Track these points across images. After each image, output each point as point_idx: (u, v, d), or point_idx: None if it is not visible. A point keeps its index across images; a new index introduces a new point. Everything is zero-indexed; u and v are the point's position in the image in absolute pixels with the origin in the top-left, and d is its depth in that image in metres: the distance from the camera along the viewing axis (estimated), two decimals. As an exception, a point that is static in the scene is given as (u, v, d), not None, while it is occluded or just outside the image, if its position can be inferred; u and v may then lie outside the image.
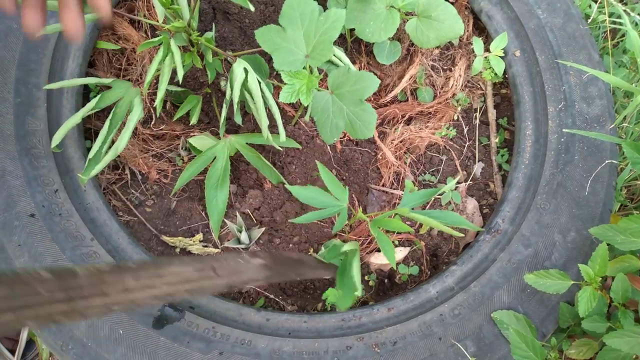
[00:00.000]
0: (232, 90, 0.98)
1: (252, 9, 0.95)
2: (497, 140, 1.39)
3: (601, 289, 1.02)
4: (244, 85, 0.99)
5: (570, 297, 1.08)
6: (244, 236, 1.18)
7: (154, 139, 1.28)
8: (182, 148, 1.28)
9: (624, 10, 1.38)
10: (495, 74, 1.36)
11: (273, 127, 1.14)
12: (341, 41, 1.36)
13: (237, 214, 1.21)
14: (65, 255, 1.03)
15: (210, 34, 1.19)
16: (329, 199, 0.99)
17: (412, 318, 1.07)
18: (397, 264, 1.24)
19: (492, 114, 1.41)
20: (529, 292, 1.08)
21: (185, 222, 1.24)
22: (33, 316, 0.49)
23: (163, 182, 1.27)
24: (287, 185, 1.00)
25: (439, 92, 1.40)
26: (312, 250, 1.24)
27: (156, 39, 0.97)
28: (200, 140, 1.19)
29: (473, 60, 1.37)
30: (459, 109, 1.40)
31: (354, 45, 1.37)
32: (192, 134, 1.28)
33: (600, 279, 0.99)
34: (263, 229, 1.21)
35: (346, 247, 0.91)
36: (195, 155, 1.17)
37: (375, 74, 1.38)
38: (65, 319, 0.51)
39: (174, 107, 1.31)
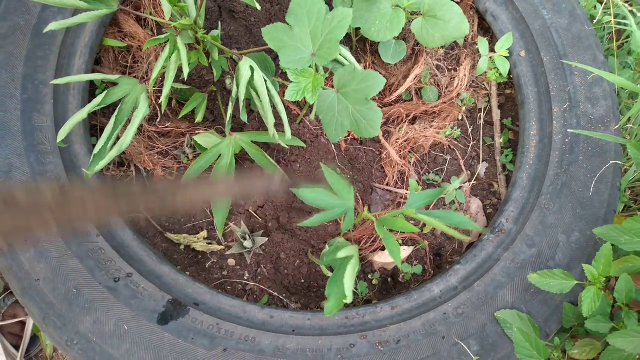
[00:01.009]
0: (238, 88, 0.98)
1: (259, 7, 0.96)
2: (501, 140, 1.39)
3: (605, 289, 1.02)
4: (250, 83, 1.00)
5: (573, 297, 1.08)
6: (247, 242, 1.18)
7: (159, 137, 1.28)
8: (187, 146, 1.28)
9: (630, 11, 1.38)
10: (500, 75, 1.36)
11: (278, 126, 1.14)
12: (346, 40, 1.36)
13: (242, 222, 1.21)
14: (72, 250, 1.03)
15: (216, 32, 1.19)
16: (335, 200, 0.99)
17: (415, 317, 1.07)
18: (401, 262, 1.24)
19: (496, 114, 1.41)
20: (533, 292, 1.08)
21: (190, 219, 1.24)
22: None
23: (168, 180, 1.27)
24: (292, 189, 1.00)
25: (444, 92, 1.40)
26: (310, 249, 1.24)
27: (163, 36, 0.98)
28: (205, 138, 1.20)
29: (478, 61, 1.37)
30: (464, 108, 1.40)
31: (359, 45, 1.38)
32: (197, 131, 1.29)
33: (604, 279, 0.99)
34: (266, 239, 1.21)
35: (342, 253, 0.91)
36: (200, 153, 1.18)
37: (381, 73, 1.38)
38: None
39: (180, 104, 1.31)
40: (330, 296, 0.95)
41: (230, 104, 1.03)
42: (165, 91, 0.99)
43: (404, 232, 1.26)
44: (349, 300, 0.92)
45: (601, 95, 1.24)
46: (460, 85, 1.38)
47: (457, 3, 1.38)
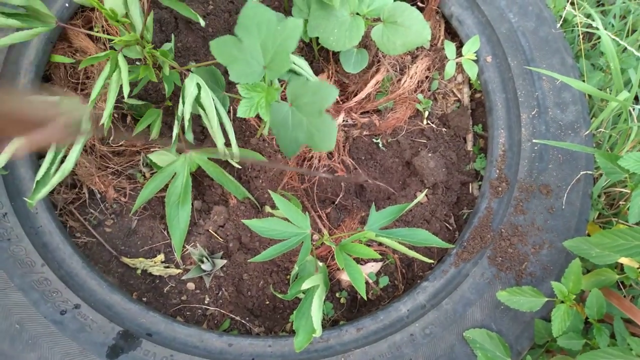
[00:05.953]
0: (183, 105, 0.93)
1: (203, 23, 0.91)
2: (472, 148, 1.35)
3: (577, 302, 0.97)
4: (197, 100, 0.94)
5: (545, 312, 1.03)
6: (206, 265, 1.13)
7: (112, 156, 1.22)
8: (142, 164, 1.22)
9: (598, 13, 1.34)
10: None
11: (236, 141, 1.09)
12: (308, 49, 1.32)
13: (198, 245, 1.15)
14: (14, 282, 0.97)
15: (168, 46, 1.14)
16: (290, 228, 0.93)
17: (381, 339, 1.02)
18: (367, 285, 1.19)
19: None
20: (503, 309, 1.04)
21: (147, 242, 1.18)
22: None
23: (123, 201, 1.21)
24: (243, 221, 0.95)
25: (389, 91, 1.33)
26: (275, 269, 1.19)
27: (102, 53, 0.92)
28: (160, 156, 1.14)
29: (438, 63, 1.32)
30: (426, 113, 1.34)
31: (322, 54, 1.33)
32: (153, 149, 1.23)
33: (575, 295, 0.94)
34: (225, 261, 1.16)
35: (307, 284, 0.86)
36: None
37: (344, 82, 1.34)
38: None
39: (135, 121, 1.25)
40: (298, 330, 0.90)
41: (176, 122, 0.97)
42: (107, 111, 0.93)
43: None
44: (318, 334, 0.86)
45: (570, 100, 1.20)
46: (410, 84, 1.31)
47: (422, 8, 1.34)
